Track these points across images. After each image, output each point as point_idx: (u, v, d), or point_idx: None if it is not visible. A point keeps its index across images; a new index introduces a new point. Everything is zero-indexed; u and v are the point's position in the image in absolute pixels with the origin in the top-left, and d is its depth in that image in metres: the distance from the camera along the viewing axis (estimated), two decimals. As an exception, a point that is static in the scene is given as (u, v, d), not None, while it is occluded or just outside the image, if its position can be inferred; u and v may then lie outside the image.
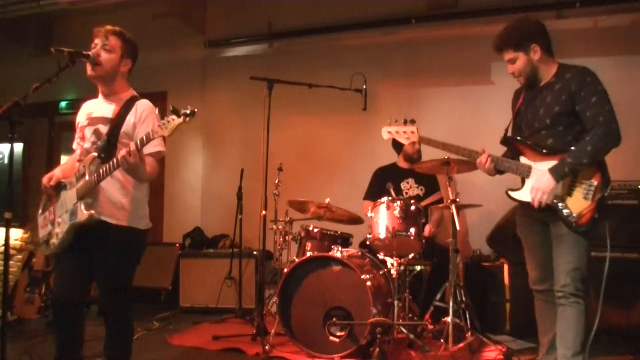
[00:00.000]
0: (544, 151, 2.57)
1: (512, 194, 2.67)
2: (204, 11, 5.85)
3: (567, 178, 2.49)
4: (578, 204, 2.47)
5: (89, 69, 2.46)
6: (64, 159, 4.44)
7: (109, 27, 2.50)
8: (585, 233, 2.47)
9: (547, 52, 2.60)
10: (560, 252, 2.53)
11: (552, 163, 2.52)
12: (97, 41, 2.47)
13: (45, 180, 2.48)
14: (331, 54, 5.28)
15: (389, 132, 3.01)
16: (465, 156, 2.79)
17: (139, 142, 2.22)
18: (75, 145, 2.64)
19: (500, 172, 2.75)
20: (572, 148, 2.48)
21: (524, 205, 2.71)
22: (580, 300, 2.47)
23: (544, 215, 2.59)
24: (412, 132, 2.95)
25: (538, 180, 2.53)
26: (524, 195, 2.62)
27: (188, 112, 2.12)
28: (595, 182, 2.46)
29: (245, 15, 5.69)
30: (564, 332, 2.50)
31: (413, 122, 2.98)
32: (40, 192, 2.56)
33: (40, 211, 2.59)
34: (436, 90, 4.99)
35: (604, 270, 2.53)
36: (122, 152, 2.23)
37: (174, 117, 2.14)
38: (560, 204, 2.50)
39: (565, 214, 2.48)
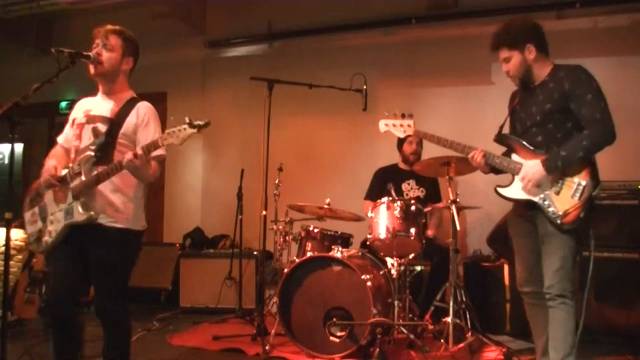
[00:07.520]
0: (534, 148, 2.56)
1: (500, 190, 2.66)
2: (204, 11, 5.85)
3: (557, 171, 2.47)
4: (565, 202, 2.46)
5: (91, 68, 2.46)
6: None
7: (108, 27, 2.50)
8: (570, 232, 2.46)
9: (542, 52, 2.60)
10: (546, 252, 2.53)
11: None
12: (98, 41, 2.47)
13: (52, 170, 2.38)
14: (331, 54, 5.27)
15: (386, 125, 3.01)
16: (458, 151, 2.78)
17: (145, 148, 2.22)
18: (61, 139, 2.60)
19: (496, 172, 2.75)
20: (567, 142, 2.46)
21: (515, 203, 2.71)
22: (567, 300, 2.45)
23: (532, 214, 2.59)
24: (409, 125, 2.95)
25: (530, 167, 2.51)
26: (512, 191, 2.62)
27: (202, 123, 2.16)
28: (584, 181, 2.45)
29: (245, 15, 5.69)
30: (553, 334, 2.49)
31: (410, 115, 2.98)
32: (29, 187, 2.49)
33: (27, 207, 2.52)
34: (436, 90, 4.99)
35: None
36: (128, 155, 2.22)
37: (186, 126, 2.17)
38: (545, 202, 2.50)
39: (550, 212, 2.47)
